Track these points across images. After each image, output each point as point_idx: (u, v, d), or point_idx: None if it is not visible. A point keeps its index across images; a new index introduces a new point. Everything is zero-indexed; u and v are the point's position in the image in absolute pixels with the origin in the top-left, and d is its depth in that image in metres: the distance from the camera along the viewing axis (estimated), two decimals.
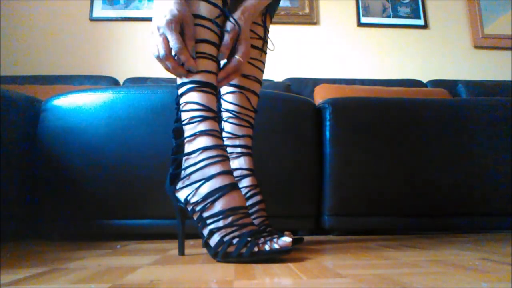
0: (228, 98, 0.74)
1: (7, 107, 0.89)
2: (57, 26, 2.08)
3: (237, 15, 0.67)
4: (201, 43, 0.60)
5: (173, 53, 0.59)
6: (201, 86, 0.59)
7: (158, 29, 0.58)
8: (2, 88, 0.91)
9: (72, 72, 1.96)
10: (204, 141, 0.58)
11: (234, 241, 0.53)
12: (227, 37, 0.64)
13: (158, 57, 0.59)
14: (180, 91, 0.61)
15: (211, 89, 0.61)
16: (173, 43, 0.57)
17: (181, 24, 0.58)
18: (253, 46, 0.74)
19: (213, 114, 0.60)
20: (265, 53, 0.78)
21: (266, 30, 0.77)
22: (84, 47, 2.08)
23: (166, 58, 0.58)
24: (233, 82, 0.74)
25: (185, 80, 0.60)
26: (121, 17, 2.13)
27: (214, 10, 0.61)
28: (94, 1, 2.13)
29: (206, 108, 0.59)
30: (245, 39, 0.66)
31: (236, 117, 0.72)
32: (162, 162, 0.88)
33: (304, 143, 1.01)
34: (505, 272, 0.43)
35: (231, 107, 0.73)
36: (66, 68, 2.01)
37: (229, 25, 0.64)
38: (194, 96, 0.59)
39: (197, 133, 0.58)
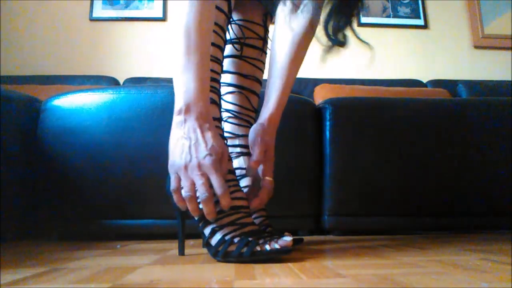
0: (228, 98, 0.74)
1: (7, 107, 0.89)
2: (57, 26, 2.08)
3: (264, 125, 0.66)
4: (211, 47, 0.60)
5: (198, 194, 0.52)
6: None
7: (198, 167, 0.51)
8: (2, 88, 0.91)
9: (72, 72, 1.96)
10: None
11: (235, 240, 0.53)
12: (256, 151, 0.63)
13: (189, 197, 0.51)
14: None
15: (214, 89, 0.61)
16: (218, 185, 0.51)
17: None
18: (254, 46, 0.74)
19: None
20: (265, 53, 0.78)
21: (266, 30, 0.77)
22: (84, 47, 2.08)
23: (207, 201, 0.51)
24: (233, 82, 0.74)
25: None
26: (121, 17, 2.13)
27: (220, 15, 0.62)
28: (94, 1, 2.13)
29: None
30: (271, 154, 0.66)
31: (236, 117, 0.72)
32: (162, 162, 0.87)
33: (304, 143, 1.01)
34: (505, 272, 0.43)
35: (230, 107, 0.73)
36: (66, 68, 2.01)
37: (253, 138, 0.64)
38: None
39: None
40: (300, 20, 0.70)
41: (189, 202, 0.52)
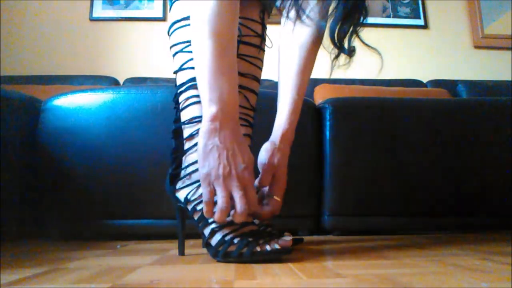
0: None
1: (7, 107, 0.89)
2: (57, 26, 2.08)
3: (276, 143, 0.65)
4: None
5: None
6: None
7: (238, 179, 0.50)
8: (2, 88, 0.91)
9: (72, 72, 1.96)
10: None
11: (235, 240, 0.53)
12: (262, 174, 0.62)
13: (225, 208, 0.50)
14: (180, 89, 0.61)
15: None
16: (254, 201, 0.52)
17: None
18: (251, 44, 0.74)
19: None
20: (263, 50, 0.78)
21: (264, 27, 0.77)
22: (84, 47, 2.08)
23: (244, 214, 0.50)
24: None
25: (185, 80, 0.61)
26: (121, 17, 2.13)
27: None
28: (94, 1, 2.13)
29: None
30: (283, 174, 0.64)
31: None
32: (162, 162, 0.88)
33: (304, 143, 1.00)
34: (505, 272, 0.43)
35: None
36: (66, 68, 2.01)
37: (262, 161, 0.62)
38: (195, 93, 0.59)
39: (196, 132, 0.58)
40: (306, 29, 0.69)
41: (221, 213, 0.50)
